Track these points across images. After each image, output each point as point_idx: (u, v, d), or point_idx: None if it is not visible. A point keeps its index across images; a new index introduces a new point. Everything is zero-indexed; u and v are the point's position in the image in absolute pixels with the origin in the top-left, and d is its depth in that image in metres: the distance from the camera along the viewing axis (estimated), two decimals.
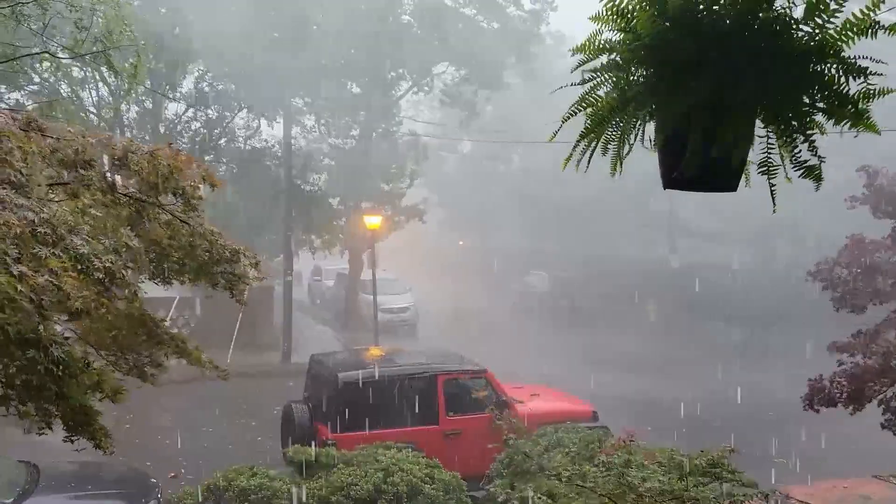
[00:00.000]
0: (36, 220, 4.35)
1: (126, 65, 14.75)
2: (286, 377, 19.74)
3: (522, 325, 30.14)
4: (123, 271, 5.00)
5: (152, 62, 24.16)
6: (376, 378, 12.45)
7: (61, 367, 4.63)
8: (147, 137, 25.33)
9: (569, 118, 3.00)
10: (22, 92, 21.27)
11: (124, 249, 5.22)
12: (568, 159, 3.03)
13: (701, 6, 2.48)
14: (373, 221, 24.45)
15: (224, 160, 27.18)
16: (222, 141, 27.17)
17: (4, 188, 4.54)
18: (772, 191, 2.75)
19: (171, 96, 25.54)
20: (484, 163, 43.10)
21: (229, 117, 27.30)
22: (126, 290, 5.63)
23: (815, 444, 13.22)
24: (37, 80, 21.93)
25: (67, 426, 5.48)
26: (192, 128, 27.10)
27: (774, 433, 14.65)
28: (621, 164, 2.94)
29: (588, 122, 2.93)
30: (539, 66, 29.13)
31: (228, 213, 25.20)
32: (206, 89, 26.18)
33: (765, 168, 2.70)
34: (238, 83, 25.34)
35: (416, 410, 12.43)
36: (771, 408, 17.37)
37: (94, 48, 14.70)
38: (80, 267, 4.50)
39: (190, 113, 26.87)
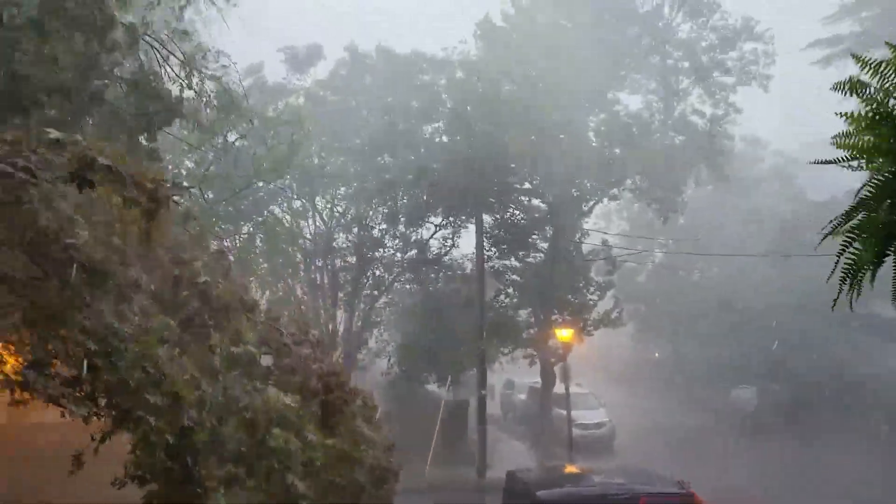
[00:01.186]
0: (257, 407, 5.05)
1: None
2: (482, 492, 19.60)
3: (730, 444, 27.85)
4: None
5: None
6: (576, 497, 12.05)
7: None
8: (353, 260, 27.62)
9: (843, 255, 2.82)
10: (250, 224, 24.17)
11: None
12: (836, 299, 2.86)
13: None
14: (564, 334, 24.32)
15: (413, 277, 28.82)
16: (413, 252, 28.82)
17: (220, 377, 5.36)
18: None
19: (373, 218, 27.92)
20: (678, 272, 41.74)
21: (425, 237, 29.08)
22: None
23: None
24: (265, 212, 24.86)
25: None
26: (391, 249, 29.17)
27: None
28: None
29: (862, 246, 2.75)
30: (732, 171, 28.43)
31: (422, 328, 26.43)
32: (403, 211, 28.13)
33: None
34: (435, 202, 27.04)
35: None
36: None
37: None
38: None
39: (391, 241, 28.94)
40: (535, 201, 28.85)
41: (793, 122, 47.64)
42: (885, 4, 34.49)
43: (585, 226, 29.37)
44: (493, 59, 26.68)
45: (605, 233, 29.53)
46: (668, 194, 27.87)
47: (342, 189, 28.00)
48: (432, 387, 28.56)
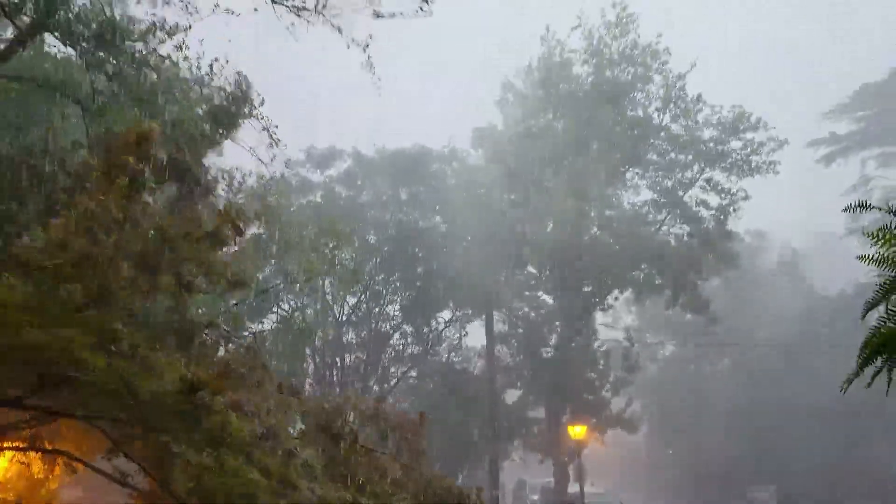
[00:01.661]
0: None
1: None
2: None
3: None
4: None
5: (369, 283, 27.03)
6: None
7: None
8: (365, 357, 27.53)
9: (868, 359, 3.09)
10: (267, 321, 24.28)
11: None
12: (851, 379, 3.11)
13: None
14: (577, 431, 23.89)
15: (428, 375, 28.60)
16: (416, 348, 28.65)
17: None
18: None
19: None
20: (689, 366, 41.30)
21: (434, 331, 29.01)
22: None
23: None
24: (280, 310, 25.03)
25: None
26: (402, 343, 29.07)
27: None
28: None
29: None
30: (738, 261, 28.55)
31: (432, 427, 25.95)
32: (415, 307, 28.17)
33: None
34: (446, 293, 27.13)
35: None
36: None
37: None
38: None
39: (401, 337, 28.91)
40: (545, 297, 28.92)
41: (798, 215, 48.25)
42: (882, 104, 35.65)
43: (597, 320, 29.23)
44: (492, 164, 27.35)
45: (614, 327, 29.46)
46: (678, 290, 27.78)
47: (356, 287, 28.23)
48: None
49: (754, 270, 37.03)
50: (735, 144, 28.20)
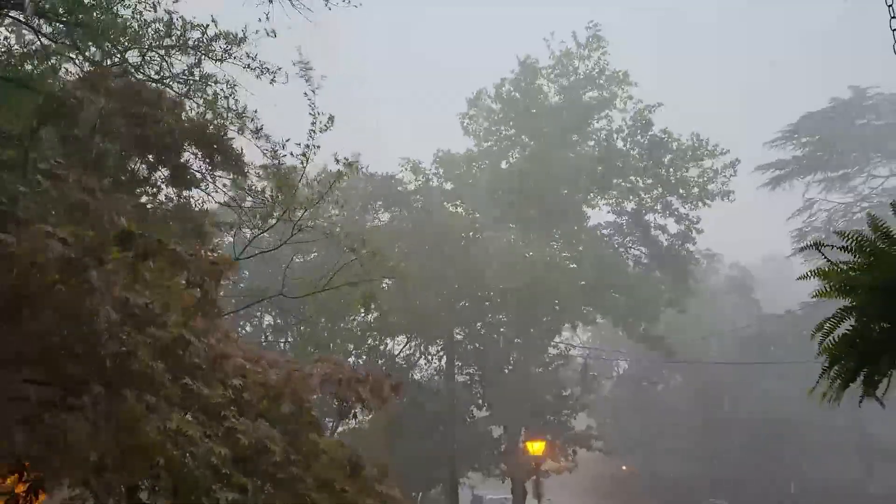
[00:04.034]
0: None
1: None
2: None
3: None
4: None
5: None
6: None
7: None
8: None
9: (829, 366, 3.21)
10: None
11: None
12: (812, 390, 3.31)
13: None
14: (535, 447, 24.10)
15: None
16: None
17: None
18: None
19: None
20: (642, 384, 42.00)
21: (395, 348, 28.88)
22: None
23: None
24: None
25: None
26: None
27: None
28: (879, 399, 3.24)
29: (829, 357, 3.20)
30: (693, 284, 29.17)
31: (390, 443, 25.83)
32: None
33: None
34: (403, 317, 27.05)
35: None
36: None
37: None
38: None
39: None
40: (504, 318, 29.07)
41: (746, 236, 49.61)
42: (824, 131, 37.11)
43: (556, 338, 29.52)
44: (454, 189, 27.64)
45: (572, 345, 29.83)
46: (639, 316, 28.20)
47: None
48: None
49: (705, 289, 37.98)
50: (692, 172, 28.81)
